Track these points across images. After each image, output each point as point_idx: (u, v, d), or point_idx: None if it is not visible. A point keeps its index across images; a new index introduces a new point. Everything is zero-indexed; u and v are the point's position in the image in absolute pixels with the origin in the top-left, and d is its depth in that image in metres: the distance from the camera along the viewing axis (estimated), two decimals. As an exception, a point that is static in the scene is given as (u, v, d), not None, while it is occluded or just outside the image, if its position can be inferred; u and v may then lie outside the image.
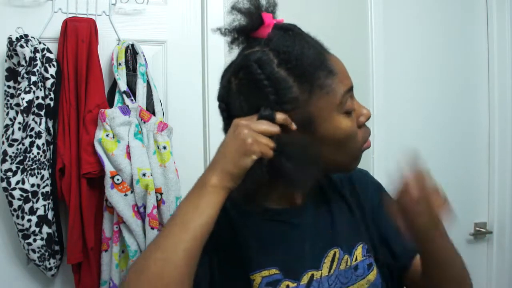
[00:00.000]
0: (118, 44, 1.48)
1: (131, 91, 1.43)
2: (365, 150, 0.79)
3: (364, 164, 0.84)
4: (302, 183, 0.75)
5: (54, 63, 1.37)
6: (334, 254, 0.80)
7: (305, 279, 0.77)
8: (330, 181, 0.89)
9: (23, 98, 1.29)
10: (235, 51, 0.78)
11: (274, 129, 0.69)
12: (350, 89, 0.75)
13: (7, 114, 1.34)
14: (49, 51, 1.37)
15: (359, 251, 0.83)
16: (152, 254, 0.65)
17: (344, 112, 0.73)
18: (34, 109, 1.31)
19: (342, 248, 0.81)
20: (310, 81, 0.71)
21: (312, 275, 0.77)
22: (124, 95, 1.41)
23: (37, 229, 1.32)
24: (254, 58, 0.71)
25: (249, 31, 0.75)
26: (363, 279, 0.81)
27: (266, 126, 0.69)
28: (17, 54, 1.33)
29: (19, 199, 1.29)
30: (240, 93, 0.73)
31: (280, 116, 0.70)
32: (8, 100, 1.35)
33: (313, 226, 0.82)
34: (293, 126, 0.71)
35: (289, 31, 0.73)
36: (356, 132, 0.75)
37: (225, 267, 0.76)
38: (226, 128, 0.77)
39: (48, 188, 1.35)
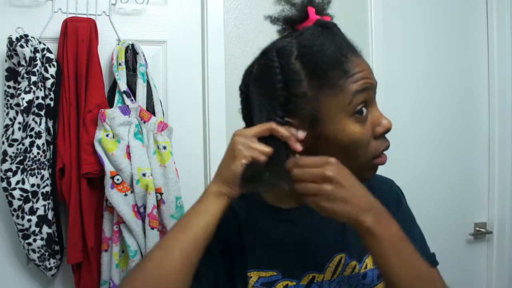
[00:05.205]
0: (118, 44, 1.48)
1: (131, 91, 1.43)
2: (378, 165, 0.73)
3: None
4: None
5: (54, 63, 1.37)
6: (340, 260, 0.79)
7: (305, 280, 0.76)
8: None
9: (23, 98, 1.29)
10: None
11: (265, 132, 0.69)
12: (363, 90, 0.70)
13: (7, 114, 1.34)
14: (49, 51, 1.37)
15: (370, 259, 0.80)
16: (152, 253, 0.69)
17: (354, 116, 0.69)
18: (34, 109, 1.31)
19: (349, 254, 0.79)
20: (320, 79, 0.69)
21: (313, 277, 0.77)
22: (124, 95, 1.41)
23: (37, 229, 1.32)
24: (278, 46, 0.72)
25: (294, 22, 0.75)
26: None
27: (257, 129, 0.69)
28: (17, 54, 1.33)
29: (19, 199, 1.29)
30: (257, 78, 0.74)
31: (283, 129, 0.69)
32: (8, 100, 1.35)
33: (321, 228, 0.80)
34: (299, 136, 0.70)
35: (325, 28, 0.72)
36: (366, 140, 0.70)
37: (231, 268, 0.76)
38: (242, 111, 0.78)
39: (48, 188, 1.35)
